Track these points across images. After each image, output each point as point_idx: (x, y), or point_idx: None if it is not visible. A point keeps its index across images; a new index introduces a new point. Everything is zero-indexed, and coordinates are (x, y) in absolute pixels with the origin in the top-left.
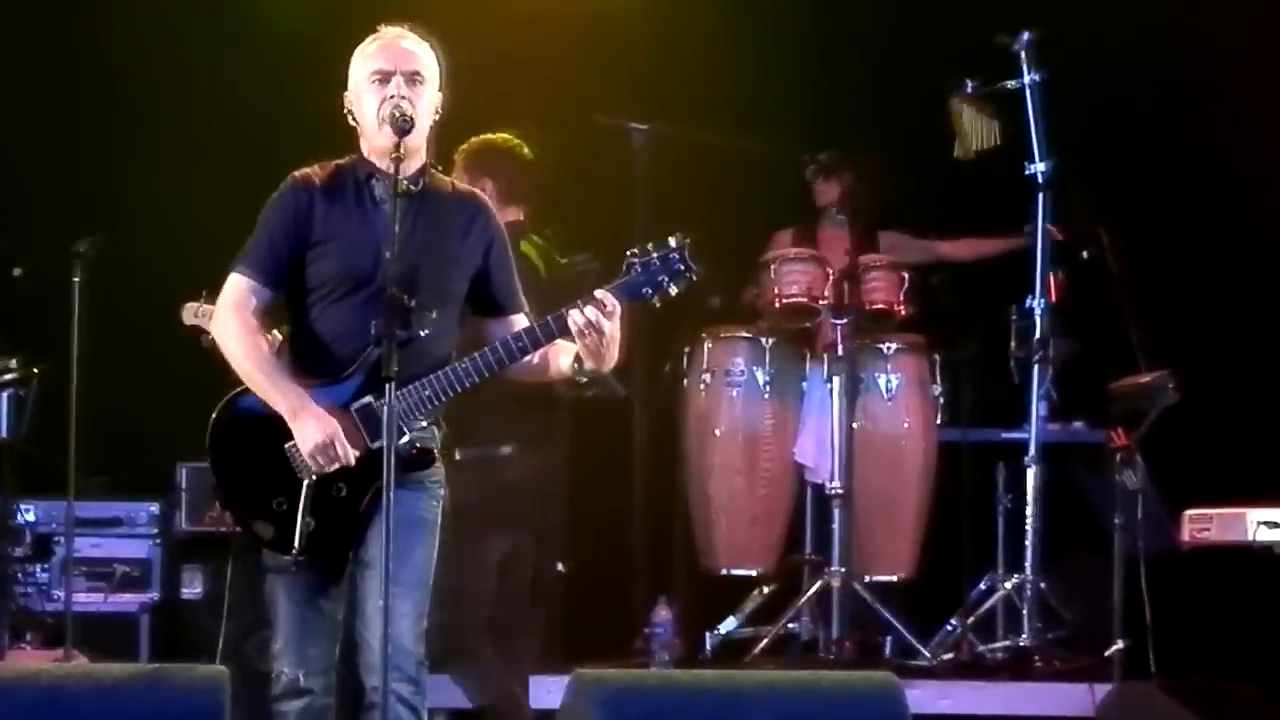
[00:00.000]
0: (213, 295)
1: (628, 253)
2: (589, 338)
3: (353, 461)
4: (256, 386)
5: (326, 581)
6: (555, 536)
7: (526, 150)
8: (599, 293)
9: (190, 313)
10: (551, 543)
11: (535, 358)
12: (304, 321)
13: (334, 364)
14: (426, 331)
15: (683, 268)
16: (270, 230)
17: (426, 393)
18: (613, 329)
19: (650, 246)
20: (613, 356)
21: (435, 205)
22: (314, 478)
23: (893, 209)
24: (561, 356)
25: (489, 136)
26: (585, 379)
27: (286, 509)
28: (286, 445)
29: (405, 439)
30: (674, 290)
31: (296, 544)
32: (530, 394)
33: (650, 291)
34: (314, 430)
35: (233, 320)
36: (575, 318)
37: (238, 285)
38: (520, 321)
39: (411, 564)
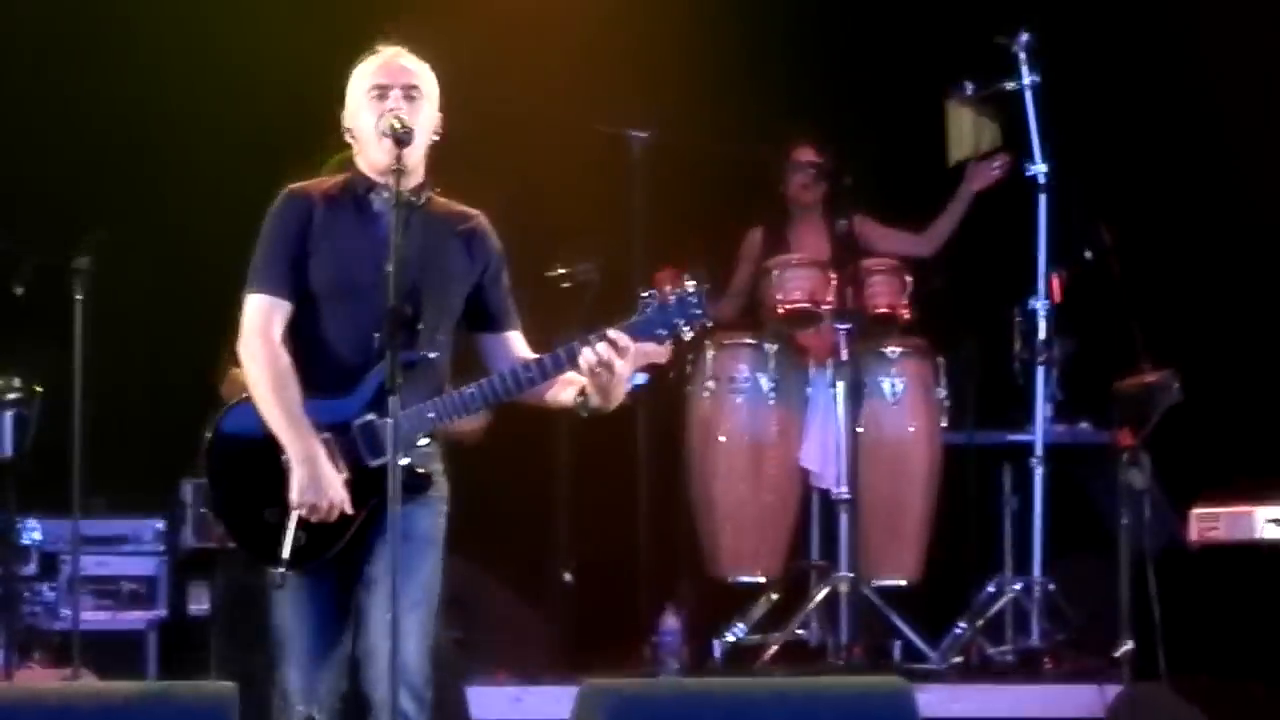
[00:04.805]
0: None
1: (642, 294)
2: (600, 375)
3: (335, 516)
4: (274, 423)
5: (335, 605)
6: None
7: None
8: (612, 332)
9: None
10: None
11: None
12: (302, 331)
13: (333, 376)
14: (435, 355)
15: (699, 312)
16: (272, 242)
17: (430, 414)
18: (623, 367)
19: (667, 289)
20: (619, 395)
21: (434, 222)
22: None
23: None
24: (564, 390)
25: None
26: (587, 414)
27: (276, 522)
28: (284, 458)
29: (405, 461)
30: (688, 333)
31: (284, 556)
32: None
33: (664, 333)
34: (314, 489)
35: (261, 349)
36: (587, 355)
37: (258, 307)
38: (514, 338)
39: (416, 581)
